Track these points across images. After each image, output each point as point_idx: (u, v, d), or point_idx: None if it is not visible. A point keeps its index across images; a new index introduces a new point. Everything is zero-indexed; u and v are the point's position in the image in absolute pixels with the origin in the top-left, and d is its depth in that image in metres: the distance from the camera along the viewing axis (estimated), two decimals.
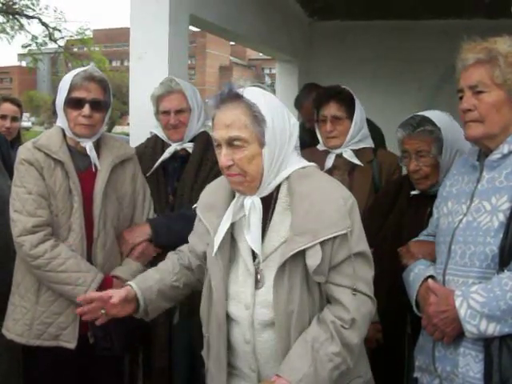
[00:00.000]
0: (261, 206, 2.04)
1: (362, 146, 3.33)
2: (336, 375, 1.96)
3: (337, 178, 3.20)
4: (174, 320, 2.34)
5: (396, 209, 2.86)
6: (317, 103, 3.39)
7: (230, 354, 2.12)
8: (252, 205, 2.02)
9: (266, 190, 2.05)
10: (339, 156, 3.31)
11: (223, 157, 2.00)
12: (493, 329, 2.00)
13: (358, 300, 2.00)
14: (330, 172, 3.26)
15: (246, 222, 2.02)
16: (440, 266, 2.25)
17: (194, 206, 2.26)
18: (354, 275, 1.98)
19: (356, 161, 3.28)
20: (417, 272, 2.36)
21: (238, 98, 1.99)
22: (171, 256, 2.39)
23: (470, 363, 2.08)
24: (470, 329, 2.03)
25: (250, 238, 2.00)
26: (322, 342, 1.94)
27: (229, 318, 2.09)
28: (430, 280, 2.25)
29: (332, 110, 3.29)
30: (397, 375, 2.74)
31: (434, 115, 2.70)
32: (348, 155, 3.29)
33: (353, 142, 3.31)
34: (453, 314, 2.08)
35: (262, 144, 2.00)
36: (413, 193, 2.78)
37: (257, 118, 1.99)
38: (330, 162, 3.31)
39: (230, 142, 1.99)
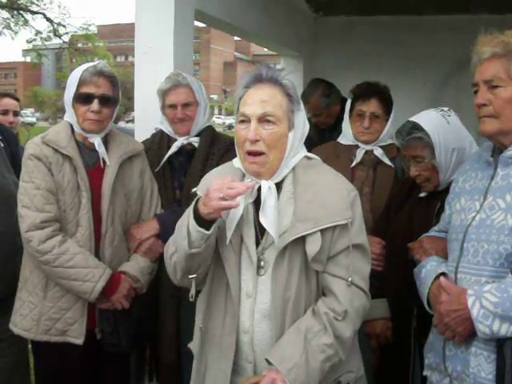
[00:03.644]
0: (276, 190, 2.06)
1: (389, 142, 3.34)
2: (327, 367, 1.98)
3: (361, 172, 3.24)
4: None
5: (407, 204, 2.86)
6: (355, 96, 3.38)
7: None
8: (269, 189, 2.04)
9: (280, 175, 2.09)
10: (366, 152, 3.32)
11: (252, 131, 2.01)
12: (506, 329, 1.97)
13: (351, 293, 2.02)
14: (354, 166, 3.27)
15: (262, 205, 2.02)
16: (452, 263, 2.22)
17: (194, 189, 2.23)
18: (351, 267, 2.01)
19: (386, 160, 3.28)
20: (429, 268, 2.33)
21: (274, 79, 2.06)
22: None
23: (481, 363, 2.06)
24: (483, 329, 2.01)
25: (265, 221, 2.01)
26: (315, 332, 1.97)
27: None
28: (442, 278, 2.22)
29: (372, 107, 3.30)
30: (403, 370, 2.74)
31: (424, 119, 2.67)
32: (379, 153, 3.30)
33: (383, 139, 3.34)
34: (465, 314, 2.05)
35: (290, 126, 2.08)
36: (421, 195, 2.79)
37: (292, 100, 2.07)
38: (359, 156, 3.32)
39: (262, 118, 2.02)
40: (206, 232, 1.99)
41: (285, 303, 2.00)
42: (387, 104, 3.34)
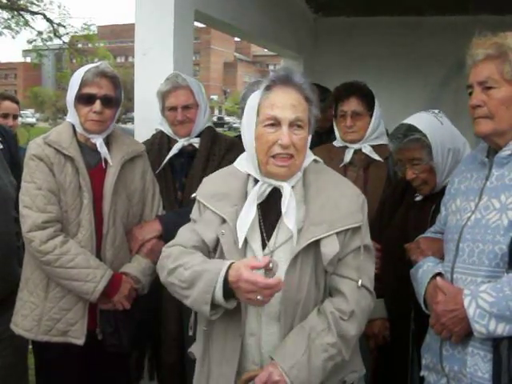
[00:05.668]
0: (292, 192, 2.07)
1: (379, 142, 3.35)
2: (330, 366, 1.99)
3: (351, 173, 3.24)
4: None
5: (402, 207, 2.87)
6: (336, 98, 3.41)
7: None
8: (290, 190, 2.06)
9: (296, 178, 2.11)
10: (355, 152, 3.34)
11: (287, 136, 2.01)
12: (502, 329, 1.99)
13: (359, 293, 2.04)
14: (344, 167, 3.28)
15: (286, 208, 2.02)
16: (448, 263, 2.23)
17: (194, 194, 2.24)
18: (359, 268, 2.04)
19: (376, 156, 3.30)
20: (425, 269, 2.35)
21: (299, 84, 2.06)
22: (186, 250, 2.18)
23: (478, 363, 2.07)
24: (479, 329, 2.02)
25: (288, 221, 2.02)
26: (318, 331, 1.98)
27: None
28: (438, 278, 2.23)
29: (352, 105, 3.32)
30: (401, 370, 2.75)
31: (419, 121, 2.69)
32: (367, 150, 3.32)
33: (371, 138, 3.34)
34: (461, 314, 2.06)
35: (310, 130, 2.10)
36: (417, 199, 2.79)
37: (312, 105, 2.08)
38: (348, 156, 3.34)
39: (293, 123, 2.03)
40: (234, 304, 1.99)
41: (295, 305, 2.01)
42: (368, 100, 3.36)
